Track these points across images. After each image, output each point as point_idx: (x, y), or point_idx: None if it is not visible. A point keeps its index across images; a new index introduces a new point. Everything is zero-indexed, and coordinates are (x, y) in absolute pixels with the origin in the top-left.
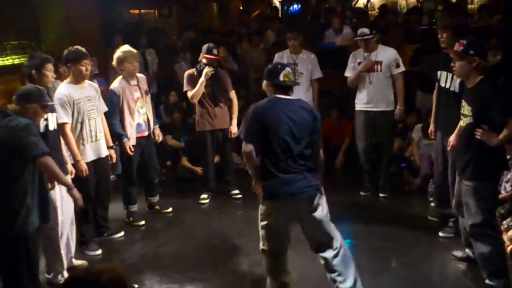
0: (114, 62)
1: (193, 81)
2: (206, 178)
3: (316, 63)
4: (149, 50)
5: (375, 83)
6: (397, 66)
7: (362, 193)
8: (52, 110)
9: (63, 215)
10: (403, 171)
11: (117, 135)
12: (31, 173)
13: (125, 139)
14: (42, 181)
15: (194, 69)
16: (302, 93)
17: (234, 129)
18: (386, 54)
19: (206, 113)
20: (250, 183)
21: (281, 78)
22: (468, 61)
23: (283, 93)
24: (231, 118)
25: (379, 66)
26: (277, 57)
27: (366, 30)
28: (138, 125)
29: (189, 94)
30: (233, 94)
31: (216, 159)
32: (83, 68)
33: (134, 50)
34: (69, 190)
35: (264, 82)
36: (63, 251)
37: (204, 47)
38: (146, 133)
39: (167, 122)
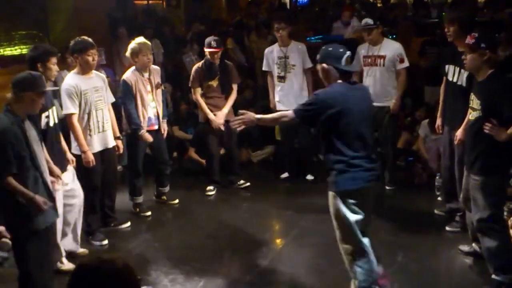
0: (128, 53)
1: (199, 77)
2: (210, 170)
3: (306, 53)
4: (154, 41)
5: (377, 77)
6: (401, 61)
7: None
8: (53, 103)
9: (70, 207)
10: (413, 164)
11: (134, 125)
12: (34, 169)
13: (142, 131)
14: (46, 183)
15: (201, 63)
16: (297, 85)
17: (221, 114)
18: (390, 48)
19: (211, 105)
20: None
21: (344, 62)
22: (479, 54)
23: (345, 79)
24: (224, 106)
25: (381, 60)
26: (268, 52)
27: (370, 21)
28: (148, 119)
29: (195, 95)
30: (235, 87)
31: (222, 151)
32: (90, 58)
33: (148, 42)
34: (29, 200)
35: (324, 66)
36: (70, 241)
37: (206, 41)
38: (155, 127)
39: (172, 113)
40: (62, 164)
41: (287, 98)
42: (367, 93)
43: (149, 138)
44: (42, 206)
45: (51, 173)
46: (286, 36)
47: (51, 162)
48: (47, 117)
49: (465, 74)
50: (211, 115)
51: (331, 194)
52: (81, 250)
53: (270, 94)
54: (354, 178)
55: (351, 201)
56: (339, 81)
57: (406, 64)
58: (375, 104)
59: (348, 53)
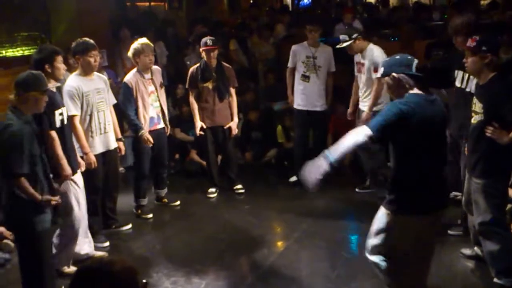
0: (130, 53)
1: (194, 80)
2: (210, 174)
3: (332, 56)
4: (158, 43)
5: (361, 83)
6: (375, 70)
7: (358, 190)
8: (63, 104)
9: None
10: None
11: (134, 127)
12: (41, 170)
13: (142, 131)
14: (49, 178)
15: (197, 65)
16: (319, 86)
17: (234, 125)
18: (370, 56)
19: (207, 108)
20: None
21: (414, 69)
22: (480, 58)
23: (420, 87)
24: (232, 115)
25: (363, 68)
26: (296, 49)
27: (345, 37)
28: (151, 118)
29: (191, 98)
30: (233, 91)
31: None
32: (92, 60)
33: (151, 44)
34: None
35: (394, 75)
36: (87, 244)
37: (201, 41)
38: (158, 126)
39: (175, 115)
40: (75, 163)
41: (308, 98)
42: (442, 108)
43: (149, 139)
44: (52, 202)
45: (62, 171)
46: (317, 38)
47: (64, 159)
48: (61, 114)
49: (474, 80)
50: (197, 120)
51: (385, 211)
52: (99, 253)
53: (289, 90)
54: (417, 201)
55: (407, 226)
56: (415, 90)
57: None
58: (362, 108)
59: (416, 60)
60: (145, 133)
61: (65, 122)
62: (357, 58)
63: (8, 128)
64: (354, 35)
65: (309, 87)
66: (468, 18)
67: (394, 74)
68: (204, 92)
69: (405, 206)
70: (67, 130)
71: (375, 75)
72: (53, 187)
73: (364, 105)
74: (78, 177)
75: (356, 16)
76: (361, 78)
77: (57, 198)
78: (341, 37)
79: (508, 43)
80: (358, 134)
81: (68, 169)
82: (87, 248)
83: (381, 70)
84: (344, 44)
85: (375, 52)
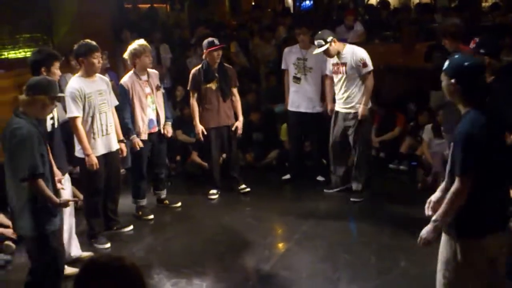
0: (127, 55)
1: (196, 82)
2: (212, 176)
3: (327, 59)
4: (163, 45)
5: (341, 85)
6: (364, 65)
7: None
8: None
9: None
10: (417, 169)
11: (126, 130)
12: (47, 172)
13: (133, 136)
14: (54, 179)
15: (199, 67)
16: (311, 88)
17: (240, 125)
18: (351, 55)
19: (211, 109)
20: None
21: (478, 84)
22: None
23: (479, 105)
24: (237, 115)
25: (343, 68)
26: (287, 52)
27: (320, 42)
28: (151, 121)
29: (192, 100)
30: (235, 91)
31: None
32: (95, 61)
33: (148, 45)
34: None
35: (452, 82)
36: (75, 247)
37: (205, 43)
38: (157, 129)
39: (176, 117)
40: (64, 166)
41: (299, 99)
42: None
43: (138, 145)
44: (66, 205)
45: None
46: (308, 40)
47: (53, 164)
48: (52, 118)
49: None
50: (197, 123)
51: (446, 237)
52: (86, 254)
53: (285, 92)
54: (481, 223)
55: (473, 252)
56: (473, 108)
57: (370, 68)
58: (341, 110)
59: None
60: (135, 137)
61: (56, 126)
62: (333, 60)
63: (17, 131)
64: (329, 39)
65: (300, 89)
66: (455, 22)
67: (453, 81)
68: (207, 93)
69: (464, 228)
70: (57, 134)
71: (365, 70)
72: (56, 188)
73: (342, 107)
74: (66, 179)
75: (357, 18)
76: (340, 79)
77: (76, 199)
78: (316, 42)
79: (510, 45)
80: (456, 189)
81: (58, 174)
82: (75, 249)
83: (445, 65)
84: (321, 49)
85: (356, 50)
